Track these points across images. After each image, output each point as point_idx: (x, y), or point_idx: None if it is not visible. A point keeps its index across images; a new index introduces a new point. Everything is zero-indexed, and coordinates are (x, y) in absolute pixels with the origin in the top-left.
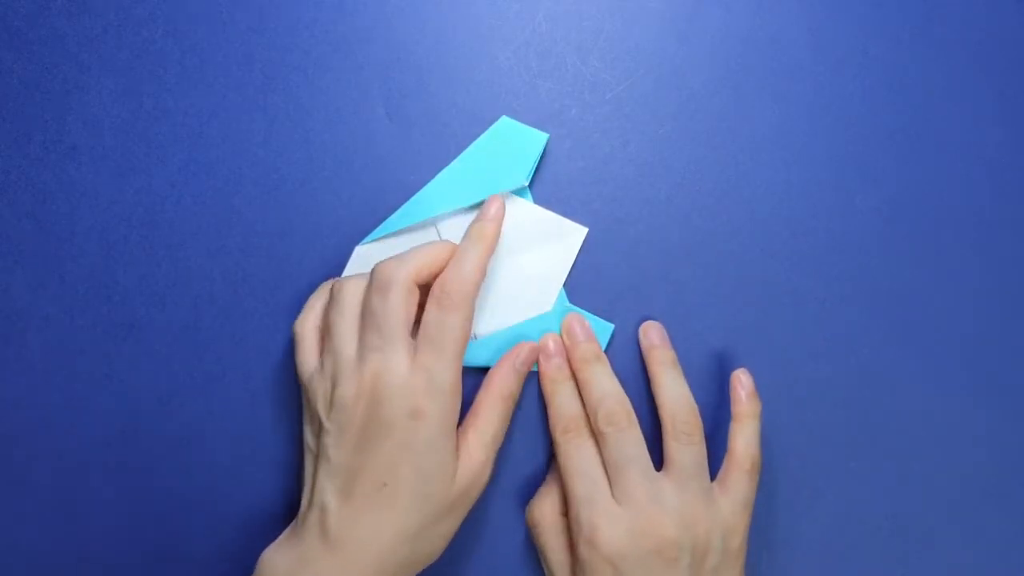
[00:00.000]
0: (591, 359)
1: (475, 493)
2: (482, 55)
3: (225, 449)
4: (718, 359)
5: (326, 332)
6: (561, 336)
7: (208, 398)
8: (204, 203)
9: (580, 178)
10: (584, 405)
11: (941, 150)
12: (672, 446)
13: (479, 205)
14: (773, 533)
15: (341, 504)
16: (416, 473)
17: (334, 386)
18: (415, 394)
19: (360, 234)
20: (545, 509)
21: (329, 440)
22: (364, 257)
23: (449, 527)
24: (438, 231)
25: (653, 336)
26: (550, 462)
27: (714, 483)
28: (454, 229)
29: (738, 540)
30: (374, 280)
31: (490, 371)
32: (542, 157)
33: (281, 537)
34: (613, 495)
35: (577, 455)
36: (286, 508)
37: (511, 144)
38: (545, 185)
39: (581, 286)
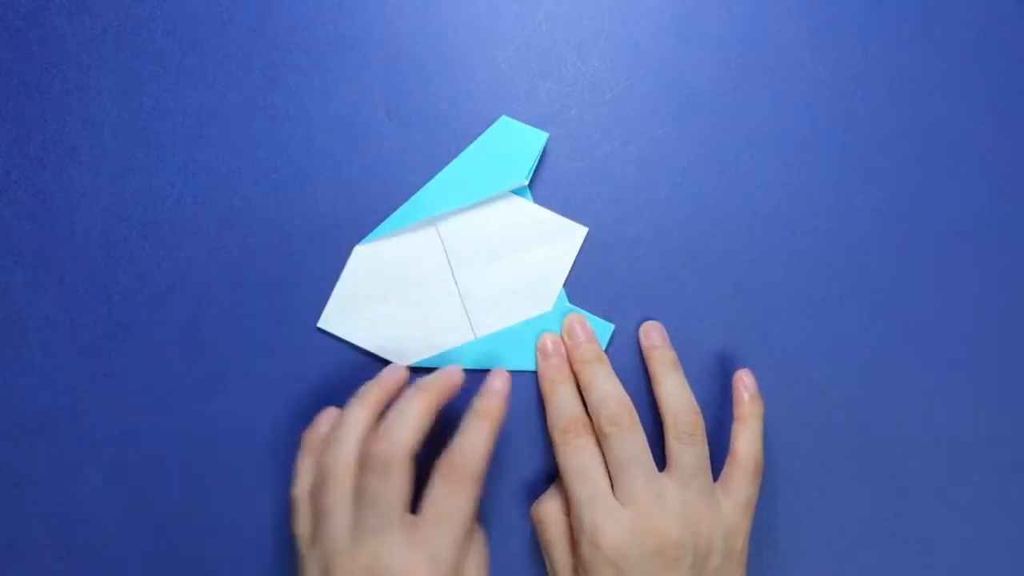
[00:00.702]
0: (592, 359)
1: None
2: (482, 55)
3: (225, 449)
4: (718, 359)
5: (317, 511)
6: (561, 336)
7: (208, 398)
8: (204, 203)
9: (580, 178)
10: (584, 405)
11: (941, 150)
12: (674, 446)
13: (479, 204)
14: (774, 533)
15: None
16: None
17: (327, 571)
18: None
19: (360, 234)
20: (550, 508)
21: None
22: (364, 257)
23: None
24: (438, 231)
25: (654, 336)
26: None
27: (716, 484)
28: (454, 228)
29: (740, 541)
30: (372, 461)
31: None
32: (542, 157)
33: None
34: (615, 495)
35: (577, 456)
36: (285, 509)
37: (511, 143)
38: (545, 185)
39: (581, 286)
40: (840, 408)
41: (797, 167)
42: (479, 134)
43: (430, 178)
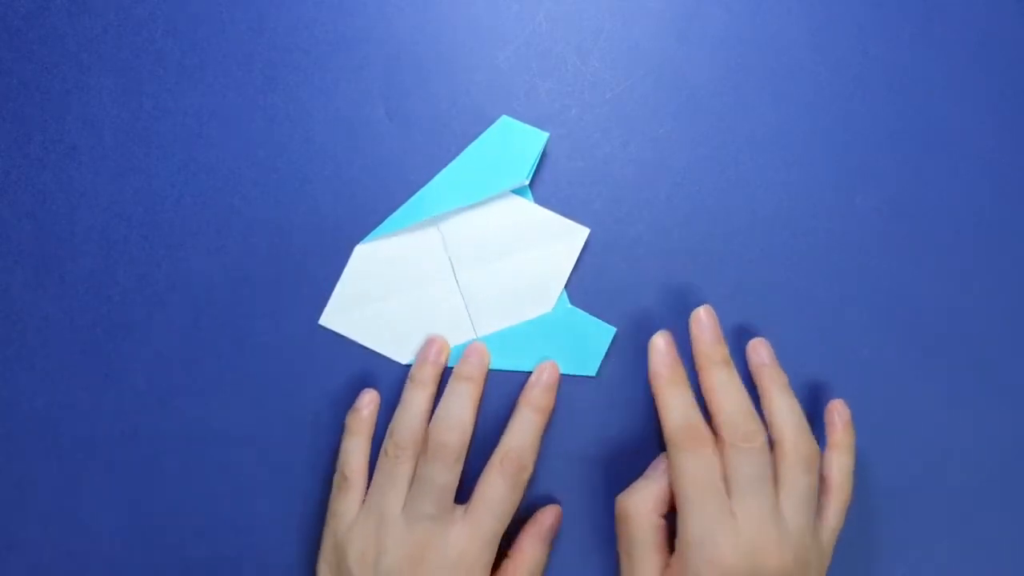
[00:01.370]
0: (720, 361)
1: None
2: (482, 55)
3: (225, 449)
4: None
5: (375, 487)
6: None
7: (208, 398)
8: (204, 203)
9: (580, 178)
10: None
11: (941, 150)
12: (793, 472)
13: (480, 204)
14: None
15: None
16: None
17: (380, 551)
18: (466, 567)
19: (360, 234)
20: (642, 506)
21: None
22: (364, 257)
23: None
24: (440, 231)
25: (763, 354)
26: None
27: None
28: (455, 228)
29: (825, 570)
30: (439, 449)
31: (518, 542)
32: (542, 157)
33: None
34: (733, 511)
35: (702, 465)
36: (285, 509)
37: (511, 143)
38: (545, 185)
39: (581, 286)
40: None
41: (797, 167)
42: (479, 134)
43: (430, 178)
